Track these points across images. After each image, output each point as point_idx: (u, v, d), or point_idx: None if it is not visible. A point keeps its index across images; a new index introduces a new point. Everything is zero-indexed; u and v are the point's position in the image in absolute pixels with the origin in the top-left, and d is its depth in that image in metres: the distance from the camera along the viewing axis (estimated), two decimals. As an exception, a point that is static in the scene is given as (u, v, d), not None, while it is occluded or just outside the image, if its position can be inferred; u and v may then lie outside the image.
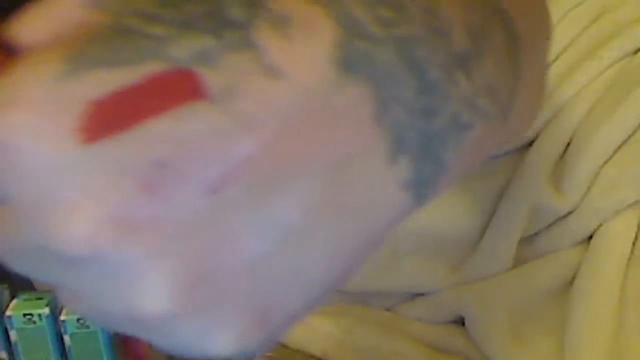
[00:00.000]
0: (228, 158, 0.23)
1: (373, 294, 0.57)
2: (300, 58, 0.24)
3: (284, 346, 0.56)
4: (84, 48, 0.23)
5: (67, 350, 0.66)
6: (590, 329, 0.51)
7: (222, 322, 0.25)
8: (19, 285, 0.78)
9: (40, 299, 0.71)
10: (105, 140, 0.23)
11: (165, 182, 0.23)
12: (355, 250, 0.26)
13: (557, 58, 0.55)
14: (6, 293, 0.81)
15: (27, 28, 0.25)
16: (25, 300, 0.69)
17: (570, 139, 0.53)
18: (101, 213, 0.23)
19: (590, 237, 0.53)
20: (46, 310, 0.66)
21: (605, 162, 0.52)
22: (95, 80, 0.23)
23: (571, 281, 0.53)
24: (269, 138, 0.24)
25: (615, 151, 0.52)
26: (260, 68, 0.24)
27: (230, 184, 0.24)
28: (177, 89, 0.23)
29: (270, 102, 0.24)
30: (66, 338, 0.63)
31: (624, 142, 0.52)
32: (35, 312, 0.61)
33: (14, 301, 0.70)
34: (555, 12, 0.56)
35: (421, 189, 0.27)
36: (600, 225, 0.52)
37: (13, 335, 0.61)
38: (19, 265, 0.25)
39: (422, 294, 0.56)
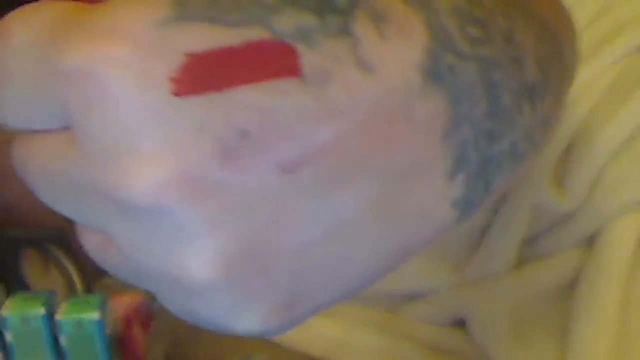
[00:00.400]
0: (307, 141, 0.23)
1: (373, 295, 0.56)
2: (392, 58, 0.24)
3: (283, 347, 0.56)
4: None
5: (63, 351, 0.66)
6: (594, 332, 0.50)
7: (254, 300, 0.25)
8: (13, 284, 0.78)
9: (36, 298, 0.70)
10: (196, 96, 0.22)
11: (243, 151, 0.23)
12: (394, 256, 0.26)
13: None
14: (1, 293, 0.81)
15: None
16: (20, 300, 0.68)
17: (573, 139, 0.53)
18: (174, 169, 0.22)
19: (593, 238, 0.53)
20: (42, 311, 0.66)
21: (609, 162, 0.52)
22: (199, 34, 0.22)
23: (573, 282, 0.53)
24: (348, 130, 0.24)
25: (619, 151, 0.52)
26: (353, 59, 0.24)
27: (303, 167, 0.23)
28: (276, 61, 0.23)
29: (356, 94, 0.24)
30: (62, 339, 0.62)
31: (628, 142, 0.52)
32: (31, 312, 0.61)
33: (9, 301, 0.70)
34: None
35: (467, 209, 0.27)
36: (603, 226, 0.52)
37: (8, 335, 0.60)
38: (55, 199, 0.25)
39: (423, 295, 0.55)
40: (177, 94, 0.22)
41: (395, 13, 0.25)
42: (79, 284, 0.59)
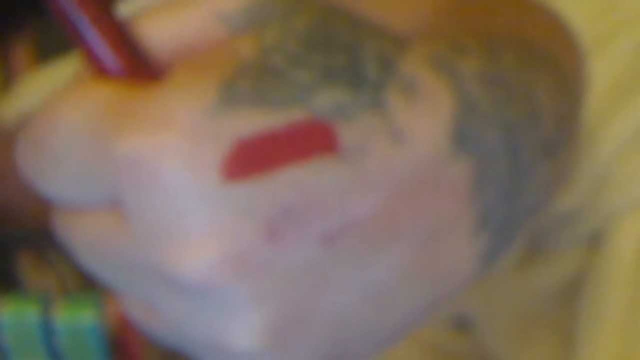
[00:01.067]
0: (346, 214, 0.24)
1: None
2: (422, 127, 0.25)
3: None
4: (235, 81, 0.24)
5: (58, 350, 0.65)
6: (600, 333, 0.50)
7: None
8: (8, 285, 0.77)
9: (31, 298, 0.70)
10: (244, 180, 0.23)
11: (287, 228, 0.24)
12: (424, 312, 0.27)
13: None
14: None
15: (156, 29, 0.26)
16: (15, 300, 0.68)
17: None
18: (224, 249, 0.24)
19: (597, 236, 0.52)
20: (37, 310, 0.66)
21: (613, 160, 0.52)
22: (245, 118, 0.24)
23: (577, 281, 0.53)
24: (383, 200, 0.25)
25: (623, 149, 0.52)
26: (387, 130, 0.25)
27: (343, 239, 0.25)
28: (316, 140, 0.24)
29: (390, 165, 0.25)
30: (57, 338, 0.62)
31: (633, 139, 0.52)
32: (26, 312, 0.60)
33: (4, 301, 0.70)
34: (556, 8, 0.56)
35: (490, 261, 0.28)
36: (608, 225, 0.52)
37: (3, 335, 0.59)
38: (102, 272, 0.26)
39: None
40: (227, 178, 0.23)
41: (423, 80, 0.26)
42: (73, 284, 0.59)
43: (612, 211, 0.51)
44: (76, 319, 0.55)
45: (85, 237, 0.26)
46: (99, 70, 0.26)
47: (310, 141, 0.24)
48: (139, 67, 0.26)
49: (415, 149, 0.25)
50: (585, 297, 0.51)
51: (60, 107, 0.25)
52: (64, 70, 0.59)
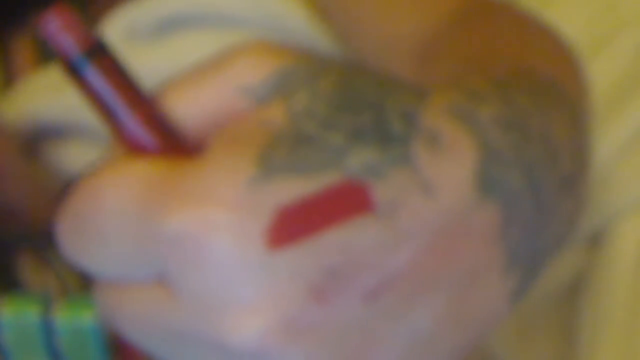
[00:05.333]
0: (385, 269, 0.25)
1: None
2: (448, 177, 0.26)
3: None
4: (271, 152, 0.25)
5: (58, 350, 0.65)
6: (601, 333, 0.50)
7: None
8: (8, 285, 0.77)
9: (31, 298, 0.70)
10: (288, 246, 0.24)
11: (332, 289, 0.25)
12: (461, 352, 0.28)
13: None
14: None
15: (184, 104, 0.27)
16: (15, 300, 0.68)
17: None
18: (275, 317, 0.24)
19: (597, 236, 0.52)
20: (37, 311, 0.65)
21: (613, 161, 0.52)
22: (284, 187, 0.24)
23: (577, 281, 0.52)
24: (418, 252, 0.25)
25: (624, 149, 0.52)
26: (416, 184, 0.26)
27: (384, 294, 0.25)
28: (353, 200, 0.25)
29: (422, 217, 0.25)
30: (58, 339, 0.62)
31: (633, 139, 0.52)
32: (26, 312, 0.60)
33: (4, 301, 0.70)
34: (557, 9, 0.56)
35: (519, 298, 0.29)
36: (608, 224, 0.52)
37: (3, 336, 0.60)
38: (150, 344, 0.27)
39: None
40: (271, 247, 0.24)
41: (445, 131, 0.27)
42: (73, 284, 0.59)
43: (612, 211, 0.51)
44: (76, 319, 0.55)
45: (133, 311, 0.26)
46: (133, 147, 0.27)
47: (348, 202, 0.25)
48: (171, 142, 0.27)
49: (444, 200, 0.26)
50: (586, 297, 0.51)
51: (103, 186, 0.26)
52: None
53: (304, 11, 0.55)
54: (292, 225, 0.24)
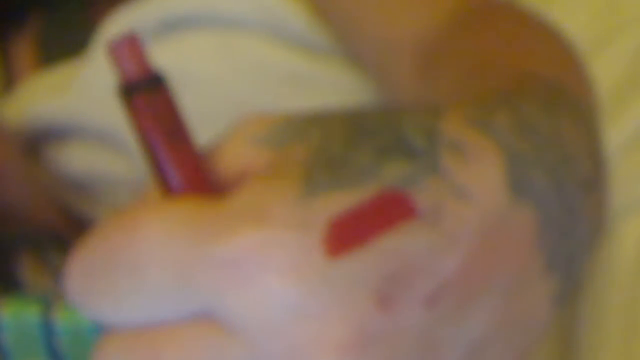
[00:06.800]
0: (440, 273, 0.25)
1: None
2: (480, 181, 0.27)
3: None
4: (311, 173, 0.25)
5: (59, 350, 0.65)
6: (600, 334, 0.50)
7: None
8: (9, 285, 0.77)
9: (32, 299, 0.70)
10: (345, 255, 0.24)
11: (394, 295, 0.25)
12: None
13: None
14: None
15: (214, 163, 0.27)
16: (16, 301, 0.68)
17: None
18: (346, 328, 0.24)
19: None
20: (38, 312, 0.65)
21: (615, 161, 0.52)
22: (331, 201, 0.25)
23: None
24: (467, 254, 0.26)
25: (625, 149, 0.52)
26: (451, 190, 0.26)
27: (442, 298, 0.25)
28: (396, 207, 0.25)
29: (465, 221, 0.26)
30: (58, 340, 0.62)
31: (634, 140, 0.52)
32: (27, 313, 0.60)
33: (4, 302, 0.70)
34: (558, 9, 0.56)
35: (561, 303, 0.29)
36: (609, 225, 0.51)
37: (3, 337, 0.59)
38: None
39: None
40: (330, 256, 0.24)
41: (467, 139, 0.27)
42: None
43: (612, 211, 0.51)
44: (76, 319, 0.55)
45: (178, 357, 0.25)
46: (168, 187, 0.27)
47: (392, 210, 0.25)
48: (207, 189, 0.27)
49: (481, 203, 0.26)
50: (586, 297, 0.51)
51: (142, 220, 0.25)
52: (67, 71, 0.59)
53: (304, 13, 0.55)
54: (346, 235, 0.25)
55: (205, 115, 0.55)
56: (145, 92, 0.27)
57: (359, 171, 0.25)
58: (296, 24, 0.55)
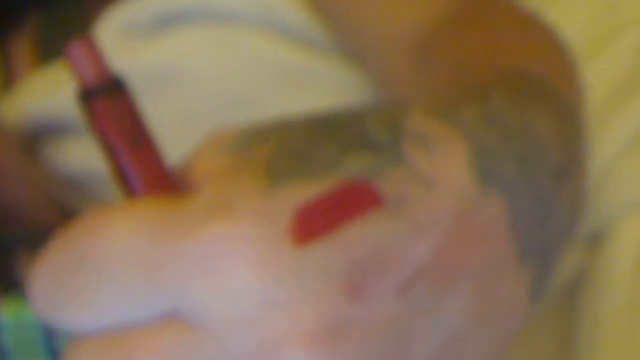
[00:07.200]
0: (410, 261, 0.25)
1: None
2: (446, 169, 0.27)
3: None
4: (274, 165, 0.25)
5: (59, 350, 0.65)
6: (600, 334, 0.50)
7: None
8: (8, 285, 0.77)
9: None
10: (312, 244, 0.24)
11: (364, 284, 0.25)
12: (492, 354, 0.28)
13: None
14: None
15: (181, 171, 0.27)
16: (15, 301, 0.68)
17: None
18: (314, 318, 0.24)
19: (597, 236, 0.52)
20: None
21: (614, 161, 0.51)
22: (296, 190, 0.25)
23: (575, 281, 0.52)
24: (436, 243, 0.26)
25: (625, 150, 0.51)
26: (417, 179, 0.26)
27: (414, 287, 0.25)
28: (362, 196, 0.25)
29: (431, 209, 0.26)
30: (57, 340, 0.62)
31: (634, 140, 0.51)
32: (26, 313, 0.60)
33: (4, 302, 0.70)
34: (557, 9, 0.55)
35: (537, 294, 0.29)
36: (608, 225, 0.51)
37: (3, 337, 0.60)
38: None
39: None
40: (298, 244, 0.24)
41: (432, 131, 0.27)
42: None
43: (612, 211, 0.51)
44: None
45: (157, 357, 0.24)
46: (130, 188, 0.27)
47: (358, 199, 0.25)
48: (170, 190, 0.26)
49: (447, 191, 0.26)
50: (585, 297, 0.51)
51: (104, 222, 0.25)
52: (65, 69, 0.59)
53: (301, 7, 0.55)
54: (312, 224, 0.25)
55: (202, 110, 0.55)
56: (104, 97, 0.26)
57: (323, 163, 0.25)
58: (294, 19, 0.55)
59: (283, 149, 0.26)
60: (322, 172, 0.25)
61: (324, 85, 0.55)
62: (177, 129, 0.53)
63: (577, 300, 0.51)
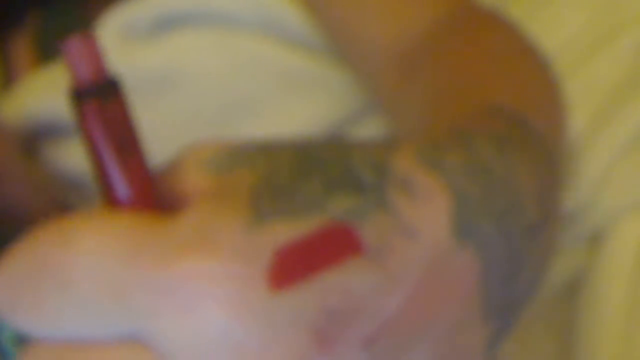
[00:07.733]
0: (379, 313, 0.25)
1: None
2: (426, 220, 0.26)
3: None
4: (257, 200, 0.25)
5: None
6: (600, 333, 0.50)
7: None
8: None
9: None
10: (288, 289, 0.24)
11: (333, 332, 0.24)
12: None
13: (565, 50, 0.54)
14: None
15: (162, 184, 0.26)
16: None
17: (578, 136, 0.52)
18: None
19: (597, 236, 0.52)
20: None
21: (615, 161, 0.51)
22: (276, 230, 0.24)
23: (575, 281, 0.52)
24: (408, 296, 0.26)
25: (625, 149, 0.51)
26: (399, 227, 0.26)
27: (380, 339, 0.25)
28: (343, 241, 0.25)
29: (409, 260, 0.26)
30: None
31: (634, 140, 0.51)
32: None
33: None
34: (557, 9, 0.55)
35: (494, 347, 0.29)
36: (608, 225, 0.51)
37: (3, 338, 0.60)
38: None
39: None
40: (273, 288, 0.24)
41: (417, 177, 0.27)
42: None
43: (612, 211, 0.51)
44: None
45: None
46: (113, 198, 0.26)
47: (339, 244, 0.25)
48: (153, 202, 0.26)
49: (426, 243, 0.26)
50: (585, 296, 0.51)
51: (77, 230, 0.24)
52: (64, 68, 0.59)
53: (300, 11, 0.55)
54: (290, 268, 0.24)
55: (201, 112, 0.55)
56: (97, 98, 0.26)
57: (306, 202, 0.25)
58: (292, 22, 0.55)
59: (267, 181, 0.25)
60: (305, 211, 0.25)
61: (322, 88, 0.55)
62: (176, 130, 0.54)
63: (577, 300, 0.51)
